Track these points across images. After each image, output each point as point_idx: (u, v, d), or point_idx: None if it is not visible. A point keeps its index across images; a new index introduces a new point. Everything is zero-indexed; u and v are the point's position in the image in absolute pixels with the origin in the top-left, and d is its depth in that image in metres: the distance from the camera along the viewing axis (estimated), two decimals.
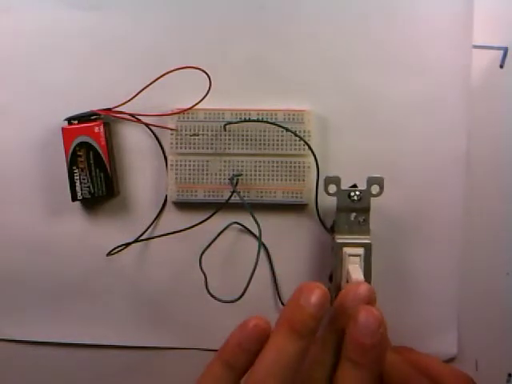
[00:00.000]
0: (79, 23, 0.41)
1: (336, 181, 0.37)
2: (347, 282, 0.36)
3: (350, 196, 0.37)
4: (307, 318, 0.28)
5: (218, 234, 0.40)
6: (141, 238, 0.41)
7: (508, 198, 0.41)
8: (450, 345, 0.41)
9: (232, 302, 0.35)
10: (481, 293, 0.41)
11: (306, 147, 0.40)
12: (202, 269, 0.38)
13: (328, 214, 0.41)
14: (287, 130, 0.39)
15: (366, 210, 0.37)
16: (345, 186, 0.37)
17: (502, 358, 0.42)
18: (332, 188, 0.37)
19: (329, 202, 0.40)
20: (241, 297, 0.35)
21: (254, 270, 0.35)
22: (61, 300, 0.42)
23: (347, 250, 0.36)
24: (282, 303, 0.41)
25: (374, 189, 0.37)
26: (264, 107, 0.40)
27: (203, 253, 0.38)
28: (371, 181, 0.37)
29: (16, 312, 0.43)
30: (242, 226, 0.41)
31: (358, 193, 0.37)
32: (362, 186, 0.37)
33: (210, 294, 0.36)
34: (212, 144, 0.40)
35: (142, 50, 0.41)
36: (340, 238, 0.37)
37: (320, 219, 0.40)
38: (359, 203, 0.37)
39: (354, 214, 0.37)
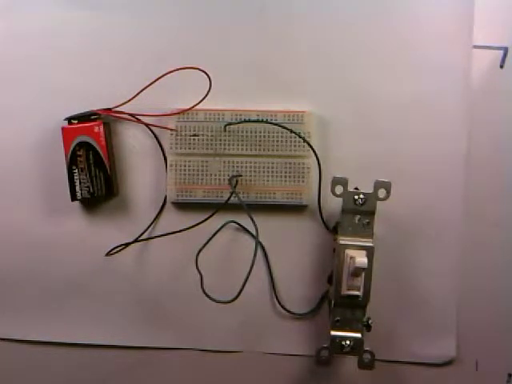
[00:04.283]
0: (79, 23, 0.41)
1: (343, 182, 0.37)
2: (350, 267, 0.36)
3: (354, 199, 0.37)
4: None
5: (214, 234, 0.40)
6: (140, 238, 0.41)
7: (508, 198, 0.41)
8: (448, 348, 0.41)
9: (226, 302, 0.35)
10: (481, 293, 0.41)
11: (306, 148, 0.40)
12: (198, 268, 0.38)
13: (329, 214, 0.41)
14: (291, 131, 0.39)
15: (371, 213, 0.37)
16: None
17: (502, 357, 0.42)
18: (339, 189, 0.37)
19: (330, 202, 0.40)
20: (236, 297, 0.35)
21: (250, 270, 0.35)
22: (60, 300, 0.42)
23: (349, 252, 0.36)
24: (280, 304, 0.41)
25: (381, 193, 0.37)
26: (264, 108, 0.40)
27: (199, 252, 0.38)
28: (378, 185, 0.37)
29: (15, 312, 0.43)
30: (239, 224, 0.41)
31: (362, 196, 0.37)
32: (363, 188, 0.37)
33: (205, 293, 0.36)
34: (212, 144, 0.40)
35: (142, 50, 0.41)
36: (343, 240, 0.37)
37: (323, 220, 0.40)
38: (364, 206, 0.37)
39: (358, 217, 0.37)
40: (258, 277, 0.41)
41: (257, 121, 0.40)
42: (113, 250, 0.41)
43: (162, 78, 0.38)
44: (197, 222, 0.39)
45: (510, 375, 0.42)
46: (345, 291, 0.36)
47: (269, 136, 0.40)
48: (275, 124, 0.39)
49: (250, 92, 0.41)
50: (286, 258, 0.42)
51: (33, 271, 0.42)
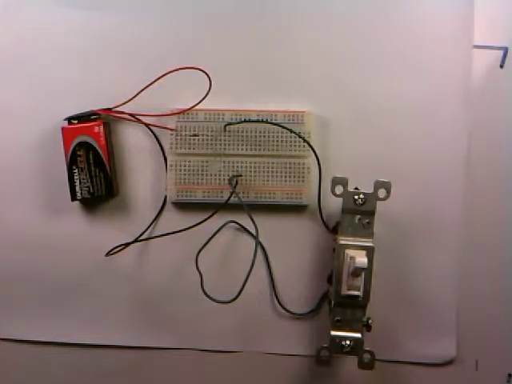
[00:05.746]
0: (79, 23, 0.41)
1: (343, 182, 0.37)
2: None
3: (354, 199, 0.37)
4: None
5: (214, 234, 0.40)
6: (140, 238, 0.41)
7: (508, 198, 0.41)
8: (448, 348, 0.41)
9: (226, 302, 0.35)
10: (481, 293, 0.41)
11: (306, 148, 0.40)
12: (198, 268, 0.38)
13: (329, 214, 0.41)
14: (291, 131, 0.39)
15: (371, 213, 0.37)
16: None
17: (502, 358, 0.42)
18: (339, 189, 0.37)
19: (330, 202, 0.40)
20: (236, 297, 0.35)
21: (250, 270, 0.35)
22: (60, 300, 0.42)
23: (349, 252, 0.36)
24: (280, 304, 0.41)
25: (381, 193, 0.37)
26: (264, 108, 0.40)
27: (199, 252, 0.38)
28: (378, 185, 0.37)
29: (16, 312, 0.43)
30: (239, 224, 0.41)
31: (362, 196, 0.37)
32: (363, 188, 0.37)
33: (205, 293, 0.36)
34: (212, 144, 0.40)
35: (142, 50, 0.41)
36: (343, 240, 0.37)
37: (323, 220, 0.40)
38: (364, 206, 0.37)
39: (358, 217, 0.37)
40: (258, 277, 0.41)
41: (257, 121, 0.40)
42: (113, 250, 0.41)
43: (162, 78, 0.38)
44: (197, 222, 0.39)
45: (510, 375, 0.42)
46: (345, 291, 0.36)
47: (269, 136, 0.40)
48: (275, 124, 0.39)
49: (250, 92, 0.41)
50: (286, 258, 0.42)
51: (33, 271, 0.42)
